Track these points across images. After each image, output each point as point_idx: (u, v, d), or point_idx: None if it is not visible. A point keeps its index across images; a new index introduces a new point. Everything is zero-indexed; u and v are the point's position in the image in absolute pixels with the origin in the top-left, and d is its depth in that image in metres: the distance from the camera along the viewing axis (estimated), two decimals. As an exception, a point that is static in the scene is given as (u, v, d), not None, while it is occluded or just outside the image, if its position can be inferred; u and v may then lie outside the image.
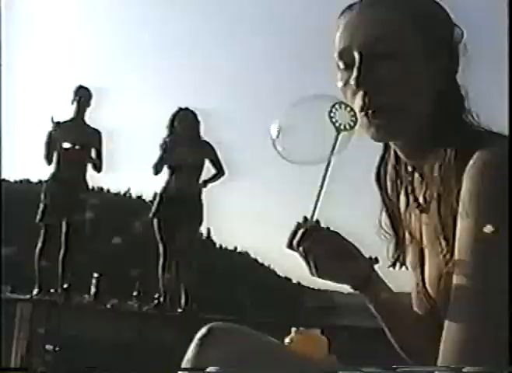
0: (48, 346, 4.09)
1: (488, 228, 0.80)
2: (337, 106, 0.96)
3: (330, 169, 0.98)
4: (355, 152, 1.06)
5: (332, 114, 0.96)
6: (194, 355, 0.98)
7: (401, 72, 0.94)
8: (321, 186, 0.99)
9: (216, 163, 5.46)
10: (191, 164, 5.34)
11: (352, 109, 0.95)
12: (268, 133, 1.01)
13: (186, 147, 5.33)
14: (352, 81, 0.95)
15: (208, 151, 5.45)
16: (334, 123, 0.96)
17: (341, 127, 0.96)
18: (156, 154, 5.43)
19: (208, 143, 5.49)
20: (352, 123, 0.96)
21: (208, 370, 0.91)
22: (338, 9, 1.02)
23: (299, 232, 1.03)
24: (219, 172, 5.46)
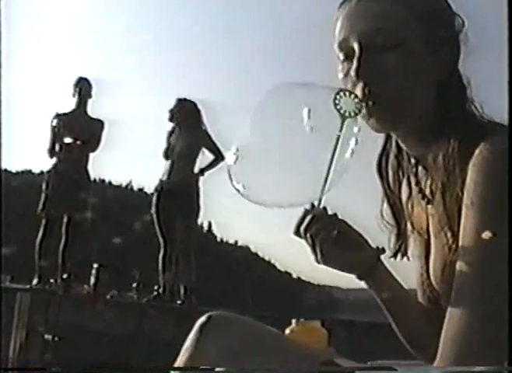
0: (47, 336, 4.10)
1: (486, 234, 0.79)
2: (341, 93, 0.95)
3: (336, 156, 0.96)
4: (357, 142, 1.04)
5: (337, 101, 0.95)
6: (194, 343, 0.97)
7: (401, 63, 0.93)
8: (327, 174, 0.97)
9: (213, 148, 5.33)
10: (184, 154, 5.29)
11: (356, 96, 0.94)
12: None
13: (180, 136, 5.31)
14: (352, 73, 0.94)
15: (202, 138, 5.36)
16: (338, 110, 0.95)
17: (346, 113, 0.95)
18: (158, 146, 5.45)
19: (203, 130, 5.40)
20: (357, 110, 0.95)
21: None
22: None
23: (307, 218, 1.02)
24: (217, 157, 5.28)
